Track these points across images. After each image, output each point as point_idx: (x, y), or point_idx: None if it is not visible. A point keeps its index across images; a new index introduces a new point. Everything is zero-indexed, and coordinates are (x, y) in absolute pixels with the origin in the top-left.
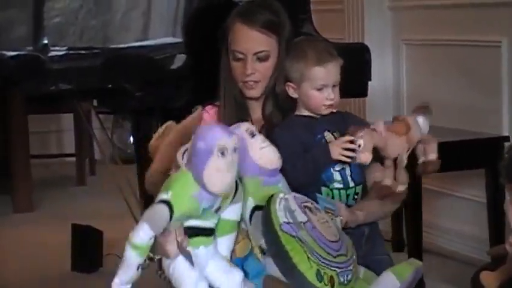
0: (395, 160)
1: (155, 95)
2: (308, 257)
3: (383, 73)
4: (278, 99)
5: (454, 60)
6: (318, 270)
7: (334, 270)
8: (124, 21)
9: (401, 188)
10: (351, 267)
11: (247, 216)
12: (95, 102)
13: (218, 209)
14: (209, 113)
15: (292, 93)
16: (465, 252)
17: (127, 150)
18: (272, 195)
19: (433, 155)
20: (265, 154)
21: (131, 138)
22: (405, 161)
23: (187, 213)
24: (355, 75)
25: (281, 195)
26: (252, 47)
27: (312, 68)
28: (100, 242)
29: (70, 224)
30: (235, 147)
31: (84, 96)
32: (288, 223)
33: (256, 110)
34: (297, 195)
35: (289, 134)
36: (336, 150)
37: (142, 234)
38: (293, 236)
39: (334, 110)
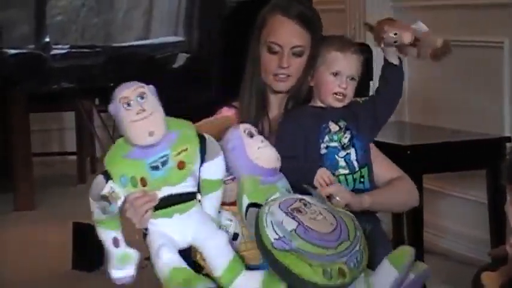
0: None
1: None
2: (310, 264)
3: None
4: (300, 99)
5: (456, 60)
6: (323, 270)
7: (341, 261)
8: (126, 20)
9: (439, 41)
10: (357, 247)
11: (242, 213)
12: (97, 101)
13: (165, 163)
14: (224, 114)
15: (311, 81)
16: (466, 253)
17: None
18: (258, 212)
19: (439, 40)
20: (262, 153)
21: None
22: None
23: (130, 173)
24: None
25: (266, 208)
26: (291, 40)
27: (332, 51)
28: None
29: (71, 223)
30: (141, 95)
31: (86, 95)
32: (279, 238)
33: (274, 107)
34: (284, 200)
35: (293, 124)
36: (318, 176)
37: (92, 206)
38: (287, 251)
39: (344, 103)
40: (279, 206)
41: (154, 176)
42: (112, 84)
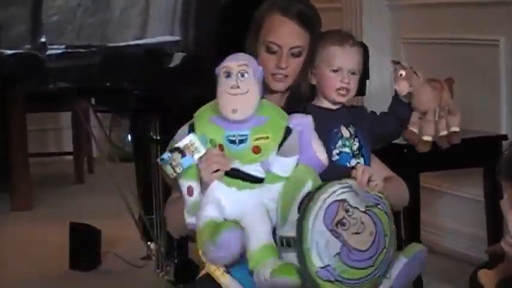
0: (424, 114)
1: (154, 94)
2: None
3: (381, 72)
4: (302, 97)
5: (453, 58)
6: None
7: (376, 276)
8: (122, 19)
9: (427, 138)
10: (390, 252)
11: (296, 202)
12: (93, 101)
13: (242, 141)
14: None
15: (312, 79)
16: (463, 251)
17: (125, 149)
18: (302, 230)
19: (456, 127)
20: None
21: (129, 137)
22: (433, 116)
23: (210, 135)
24: None
25: (310, 223)
26: (290, 40)
27: (331, 47)
28: (98, 240)
29: (68, 223)
30: (242, 72)
31: (83, 95)
32: (324, 267)
33: None
34: (327, 206)
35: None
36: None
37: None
38: (331, 281)
39: (347, 102)
40: (324, 220)
41: (230, 149)
42: (108, 84)
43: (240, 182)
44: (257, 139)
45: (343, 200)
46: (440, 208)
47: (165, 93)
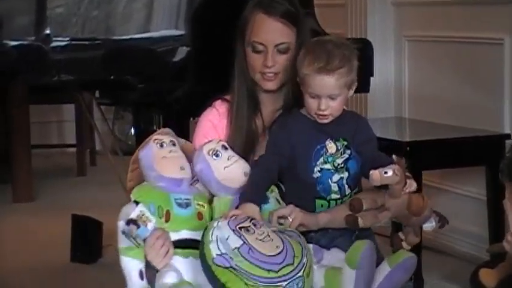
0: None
1: (157, 88)
2: (246, 284)
3: (385, 69)
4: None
5: (456, 57)
6: None
7: (280, 285)
8: (126, 12)
9: (406, 246)
10: (300, 273)
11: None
12: (97, 94)
13: (188, 205)
14: (219, 110)
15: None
16: (464, 249)
17: (128, 142)
18: (206, 226)
19: (416, 239)
20: (228, 174)
21: (132, 130)
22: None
23: (157, 202)
24: (357, 70)
25: (215, 223)
26: (274, 38)
27: (308, 73)
28: (100, 233)
29: (70, 215)
30: (172, 142)
31: (86, 88)
32: (221, 254)
33: (267, 104)
34: (232, 219)
35: (283, 134)
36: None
37: (118, 235)
38: (226, 267)
39: (331, 119)
40: (228, 223)
41: (178, 213)
42: (112, 77)
43: (195, 251)
44: (199, 205)
45: (253, 218)
46: (442, 206)
47: (168, 87)
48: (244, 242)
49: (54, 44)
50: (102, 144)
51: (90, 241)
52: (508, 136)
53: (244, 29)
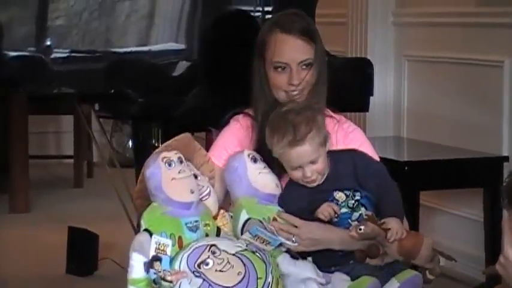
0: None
1: (157, 102)
2: None
3: (384, 88)
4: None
5: (456, 78)
6: None
7: None
8: (127, 25)
9: (430, 276)
10: None
11: (239, 228)
12: (96, 106)
13: (197, 228)
14: (241, 123)
15: None
16: (461, 271)
17: (125, 154)
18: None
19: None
20: (261, 178)
21: (130, 142)
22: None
23: (169, 230)
24: (357, 89)
25: (177, 263)
26: (297, 56)
27: (282, 151)
28: (96, 245)
29: (66, 226)
30: (180, 159)
31: (86, 100)
32: None
33: None
34: (193, 250)
35: (293, 207)
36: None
37: (135, 263)
38: None
39: (320, 181)
40: (187, 262)
41: (189, 237)
42: (112, 90)
43: None
44: (205, 225)
45: (213, 245)
46: (439, 227)
47: (167, 101)
48: (204, 280)
49: (54, 55)
50: (100, 156)
51: (86, 253)
52: (506, 158)
53: (263, 49)
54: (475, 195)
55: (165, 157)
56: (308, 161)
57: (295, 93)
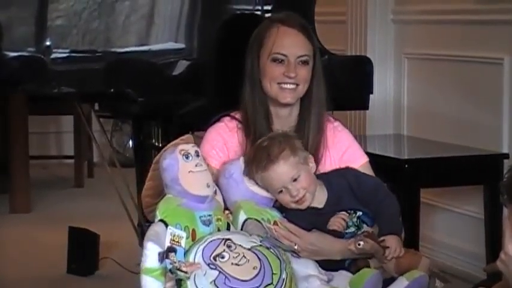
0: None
1: (157, 101)
2: None
3: (384, 86)
4: (313, 106)
5: (456, 76)
6: None
7: None
8: (127, 25)
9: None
10: None
11: (238, 228)
12: (96, 106)
13: (210, 222)
14: (228, 126)
15: None
16: (461, 268)
17: (126, 154)
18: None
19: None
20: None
21: (130, 142)
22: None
23: (184, 222)
24: (357, 87)
25: (193, 255)
26: (297, 50)
27: (262, 176)
28: (96, 245)
29: (67, 226)
30: (196, 153)
31: (86, 100)
32: None
33: (280, 121)
34: (208, 243)
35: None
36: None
37: (149, 252)
38: None
39: (310, 200)
40: (202, 255)
41: (203, 231)
42: (112, 90)
43: None
44: (217, 220)
45: (228, 239)
46: (439, 224)
47: (167, 101)
48: (220, 272)
49: (54, 55)
50: (101, 155)
51: (86, 253)
52: (506, 155)
53: (261, 42)
54: (475, 193)
55: (182, 149)
56: (289, 179)
57: (288, 86)
